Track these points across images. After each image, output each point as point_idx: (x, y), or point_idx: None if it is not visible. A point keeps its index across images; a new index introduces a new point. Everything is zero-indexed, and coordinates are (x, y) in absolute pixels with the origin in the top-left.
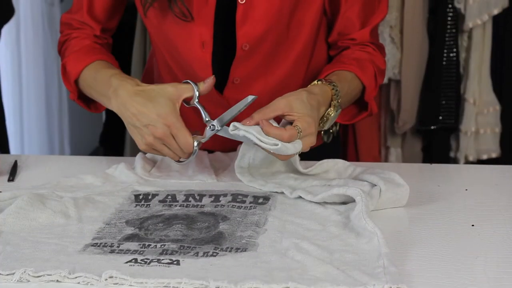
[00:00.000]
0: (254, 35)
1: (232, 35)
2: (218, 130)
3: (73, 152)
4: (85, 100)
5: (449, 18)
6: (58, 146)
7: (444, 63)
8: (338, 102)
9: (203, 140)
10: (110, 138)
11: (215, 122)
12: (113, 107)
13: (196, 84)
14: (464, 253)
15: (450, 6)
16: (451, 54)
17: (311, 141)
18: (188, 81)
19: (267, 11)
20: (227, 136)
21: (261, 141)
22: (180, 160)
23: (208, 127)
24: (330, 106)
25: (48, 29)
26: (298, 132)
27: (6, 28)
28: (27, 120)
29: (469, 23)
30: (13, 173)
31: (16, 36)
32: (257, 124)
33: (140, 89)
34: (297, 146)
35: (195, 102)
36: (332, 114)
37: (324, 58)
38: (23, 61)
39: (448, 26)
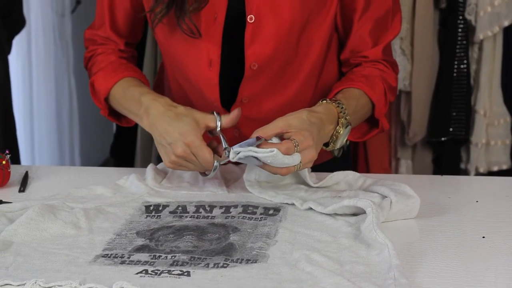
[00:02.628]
0: (263, 55)
1: (240, 54)
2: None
3: (84, 163)
4: (115, 115)
5: (459, 30)
6: (68, 157)
7: (454, 74)
8: (346, 119)
9: (221, 162)
10: (121, 149)
11: (230, 149)
12: (145, 126)
13: (219, 115)
14: (475, 265)
15: (460, 17)
16: (462, 66)
17: (311, 154)
18: (214, 112)
19: (276, 30)
20: (238, 161)
21: (258, 152)
22: (206, 172)
23: (225, 153)
24: (338, 124)
25: (59, 40)
26: (295, 146)
27: (17, 39)
28: (37, 131)
29: (479, 35)
30: (24, 184)
31: (27, 47)
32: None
33: (170, 109)
34: (295, 158)
35: (218, 131)
36: (341, 132)
37: (334, 75)
38: (34, 72)
39: (459, 38)
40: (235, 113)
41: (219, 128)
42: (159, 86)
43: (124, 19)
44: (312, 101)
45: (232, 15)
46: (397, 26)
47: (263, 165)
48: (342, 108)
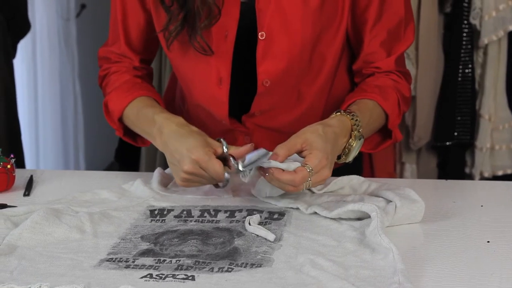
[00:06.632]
0: (275, 71)
1: (252, 71)
2: (240, 171)
3: (88, 167)
4: (131, 135)
5: (464, 34)
6: (73, 161)
7: (459, 79)
8: (359, 132)
9: (230, 174)
10: (125, 154)
11: (239, 163)
12: (159, 146)
13: (225, 142)
14: (480, 270)
15: (465, 22)
16: (467, 70)
17: (324, 174)
18: (221, 139)
19: (288, 47)
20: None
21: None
22: (219, 184)
23: (234, 165)
24: (350, 137)
25: (64, 44)
26: (309, 171)
27: (22, 43)
28: (42, 135)
29: (484, 39)
30: (28, 188)
31: (32, 51)
32: (284, 159)
33: (182, 127)
34: (291, 166)
35: (225, 153)
36: (354, 145)
37: (345, 85)
38: (39, 76)
39: (464, 42)
40: (245, 148)
41: (226, 150)
42: (171, 91)
43: (138, 35)
44: (325, 112)
45: (243, 31)
46: (410, 36)
47: (270, 180)
48: (356, 120)
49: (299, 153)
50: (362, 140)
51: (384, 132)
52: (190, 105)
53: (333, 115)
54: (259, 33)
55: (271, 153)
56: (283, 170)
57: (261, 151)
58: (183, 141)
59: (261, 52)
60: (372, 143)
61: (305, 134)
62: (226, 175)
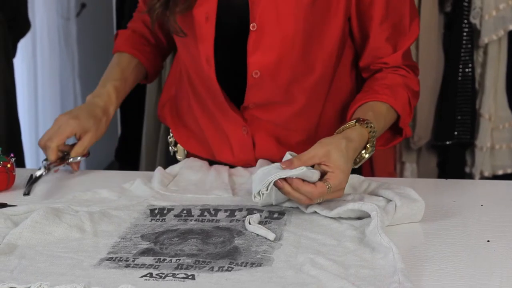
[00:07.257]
0: (265, 63)
1: (246, 64)
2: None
3: (88, 167)
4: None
5: (464, 34)
6: None
7: (459, 78)
8: (373, 143)
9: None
10: (125, 153)
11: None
12: None
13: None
14: (480, 269)
15: (465, 21)
16: (467, 70)
17: (339, 195)
18: (84, 157)
19: (279, 39)
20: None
21: (285, 174)
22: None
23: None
24: (364, 147)
25: (64, 43)
26: (328, 188)
27: (22, 42)
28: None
29: (484, 39)
30: (28, 187)
31: (32, 51)
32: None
33: (90, 107)
34: (315, 176)
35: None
36: (366, 156)
37: (346, 83)
38: (39, 75)
39: (464, 42)
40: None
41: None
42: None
43: None
44: (324, 109)
45: (237, 23)
46: (416, 30)
47: (286, 193)
48: (373, 132)
49: (317, 164)
50: (374, 150)
51: (395, 128)
52: (194, 92)
53: (353, 125)
54: (251, 25)
55: (278, 164)
56: (302, 179)
57: (270, 167)
58: (71, 112)
59: (252, 43)
60: (382, 139)
61: (327, 146)
62: (44, 162)
